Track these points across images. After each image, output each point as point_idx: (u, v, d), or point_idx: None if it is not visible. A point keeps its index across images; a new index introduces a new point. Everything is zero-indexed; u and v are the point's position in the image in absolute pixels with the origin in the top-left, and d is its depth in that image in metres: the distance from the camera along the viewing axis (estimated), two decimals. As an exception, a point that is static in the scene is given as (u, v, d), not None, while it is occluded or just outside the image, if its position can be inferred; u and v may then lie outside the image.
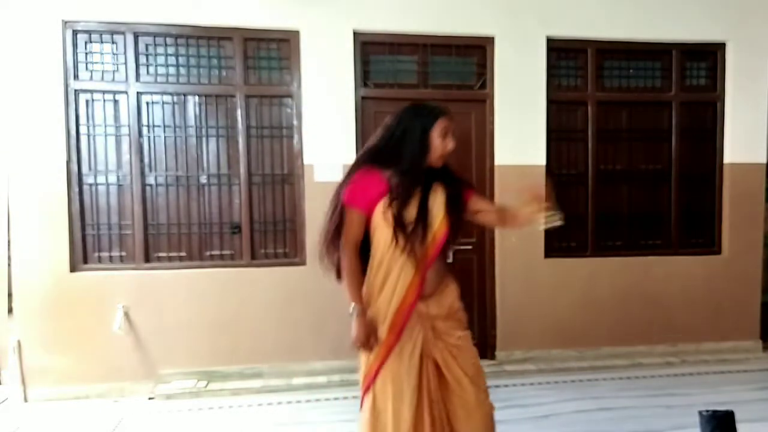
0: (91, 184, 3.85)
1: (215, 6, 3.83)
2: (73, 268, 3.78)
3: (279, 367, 3.97)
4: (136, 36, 3.82)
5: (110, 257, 3.89)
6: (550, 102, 4.23)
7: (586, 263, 4.35)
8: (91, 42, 3.80)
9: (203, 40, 3.92)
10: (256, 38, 3.95)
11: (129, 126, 3.85)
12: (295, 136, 4.03)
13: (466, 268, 4.19)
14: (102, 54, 3.82)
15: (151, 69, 3.88)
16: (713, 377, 3.99)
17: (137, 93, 3.85)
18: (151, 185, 3.92)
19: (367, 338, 2.08)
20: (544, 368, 4.14)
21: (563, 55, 4.32)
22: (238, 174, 3.99)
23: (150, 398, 3.75)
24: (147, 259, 3.91)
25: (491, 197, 4.09)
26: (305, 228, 3.99)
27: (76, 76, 3.78)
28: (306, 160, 3.98)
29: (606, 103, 4.37)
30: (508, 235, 4.19)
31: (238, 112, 3.96)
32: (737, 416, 2.31)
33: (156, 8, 3.77)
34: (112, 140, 3.86)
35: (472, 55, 4.22)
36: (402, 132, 2.07)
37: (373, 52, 4.10)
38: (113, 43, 3.82)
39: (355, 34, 3.99)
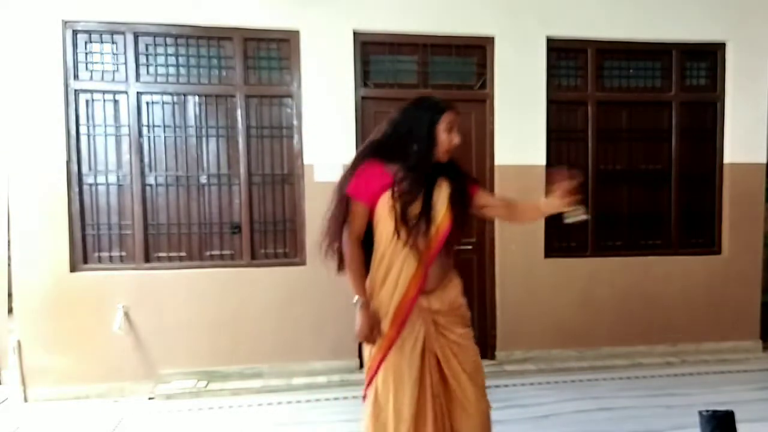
0: (91, 184, 3.85)
1: (215, 6, 3.83)
2: (73, 268, 3.78)
3: (279, 367, 3.97)
4: (136, 36, 3.82)
5: (110, 257, 3.89)
6: (550, 102, 4.23)
7: (586, 263, 4.35)
8: (91, 42, 3.80)
9: (203, 40, 3.92)
10: (256, 38, 3.95)
11: (129, 126, 3.85)
12: (295, 136, 4.03)
13: (466, 268, 4.18)
14: (102, 54, 3.82)
15: (151, 69, 3.88)
16: (713, 377, 3.99)
17: (137, 93, 3.85)
18: (151, 185, 3.92)
19: (370, 331, 2.08)
20: (544, 368, 4.14)
21: (563, 55, 4.32)
22: (238, 174, 3.99)
23: (150, 398, 3.75)
24: (147, 259, 3.91)
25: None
26: (305, 228, 3.99)
27: (76, 76, 3.78)
28: (306, 160, 3.98)
29: (606, 103, 4.38)
30: (508, 241, 4.19)
31: (238, 112, 3.96)
32: (737, 416, 2.31)
33: (156, 8, 3.77)
34: (112, 140, 3.86)
35: (472, 55, 4.22)
36: (408, 126, 2.08)
37: (373, 52, 4.10)
38: (113, 43, 3.82)
39: (355, 34, 3.99)
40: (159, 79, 3.89)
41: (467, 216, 2.19)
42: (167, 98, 3.90)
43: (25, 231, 3.70)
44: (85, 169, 3.83)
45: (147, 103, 3.89)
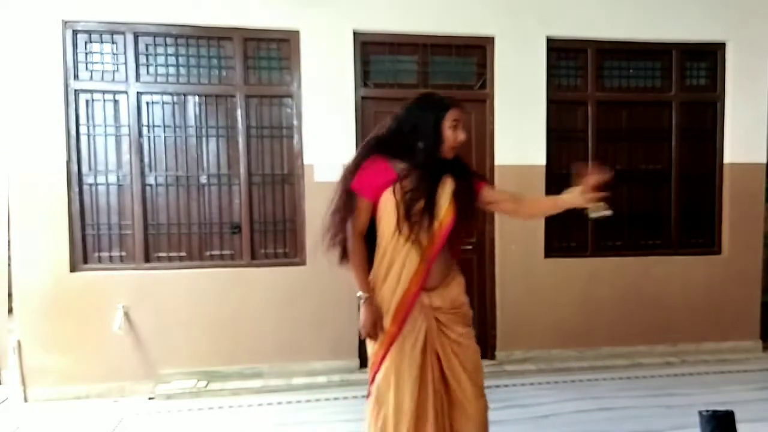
0: (91, 184, 3.85)
1: (215, 6, 3.83)
2: (73, 268, 3.78)
3: (279, 367, 3.97)
4: (136, 36, 3.82)
5: (110, 257, 3.89)
6: (550, 102, 4.23)
7: (586, 263, 4.35)
8: (91, 42, 3.80)
9: (203, 40, 3.92)
10: (256, 38, 3.95)
11: (129, 126, 3.85)
12: (295, 136, 4.03)
13: (466, 267, 4.17)
14: (102, 54, 3.82)
15: (151, 69, 3.88)
16: (713, 377, 3.99)
17: (137, 93, 3.85)
18: (151, 185, 3.92)
19: (373, 326, 2.09)
20: (544, 368, 4.14)
21: (563, 55, 4.32)
22: (238, 174, 3.99)
23: (150, 398, 3.75)
24: (147, 259, 3.91)
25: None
26: (305, 228, 3.99)
27: (76, 76, 3.78)
28: (306, 160, 3.98)
29: (606, 103, 4.38)
30: (508, 241, 4.19)
31: (238, 112, 3.96)
32: (737, 416, 2.31)
33: (156, 8, 3.77)
34: (112, 140, 3.86)
35: (472, 55, 4.22)
36: (413, 123, 2.08)
37: (373, 52, 4.10)
38: (113, 43, 3.82)
39: (355, 34, 3.99)
40: (159, 79, 3.89)
41: (473, 210, 2.18)
42: (167, 98, 3.90)
43: (25, 231, 3.70)
44: (85, 169, 3.83)
45: (147, 103, 3.88)
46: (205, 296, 3.90)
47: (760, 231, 4.52)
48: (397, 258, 2.07)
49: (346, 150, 3.93)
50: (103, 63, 3.82)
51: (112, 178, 3.88)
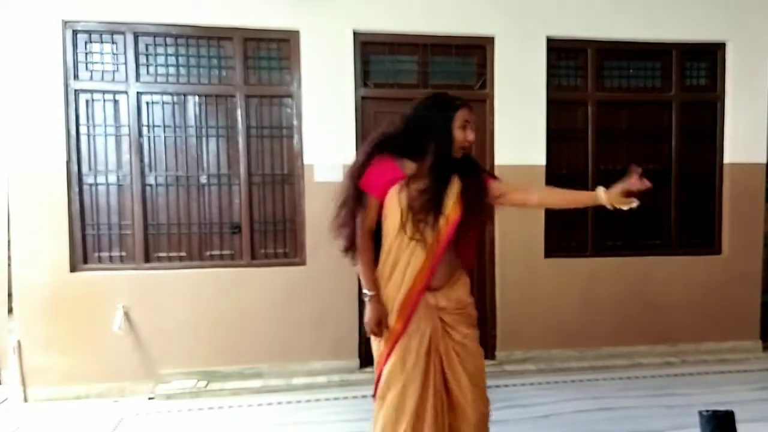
0: (91, 184, 3.85)
1: (215, 6, 3.83)
2: (73, 268, 3.78)
3: (279, 367, 3.97)
4: (136, 36, 3.82)
5: (110, 257, 3.89)
6: (550, 102, 4.23)
7: (586, 263, 4.34)
8: (91, 42, 3.80)
9: (203, 40, 3.92)
10: (256, 38, 3.95)
11: (129, 126, 3.85)
12: (295, 136, 4.03)
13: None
14: (102, 54, 3.82)
15: (151, 69, 3.88)
16: (713, 377, 4.00)
17: (137, 93, 3.85)
18: (151, 185, 3.92)
19: (378, 324, 2.09)
20: (544, 368, 4.14)
21: (563, 55, 4.32)
22: (238, 174, 3.99)
23: (150, 398, 3.75)
24: (147, 259, 3.91)
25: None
26: (305, 228, 3.99)
27: (76, 76, 3.78)
28: (306, 160, 3.98)
29: (606, 103, 4.38)
30: (508, 241, 4.18)
31: (238, 112, 3.96)
32: (737, 416, 2.31)
33: (156, 8, 3.77)
34: (112, 140, 3.86)
35: (472, 55, 4.22)
36: (422, 123, 2.09)
37: (373, 52, 4.10)
38: (113, 43, 3.82)
39: (355, 34, 3.99)
40: (159, 79, 3.89)
41: (481, 206, 2.15)
42: (167, 98, 3.90)
43: (25, 231, 3.70)
44: (85, 169, 3.83)
45: (147, 103, 3.89)
46: (205, 296, 3.90)
47: (760, 231, 4.52)
48: (402, 256, 2.07)
49: (346, 150, 3.94)
50: (103, 63, 3.82)
51: (112, 178, 3.88)
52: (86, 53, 3.80)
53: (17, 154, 3.67)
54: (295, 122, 4.02)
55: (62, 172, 3.74)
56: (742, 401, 3.39)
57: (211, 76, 3.96)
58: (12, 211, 3.72)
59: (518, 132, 4.17)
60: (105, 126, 3.85)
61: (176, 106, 3.92)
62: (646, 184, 1.94)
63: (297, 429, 3.26)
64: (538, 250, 4.25)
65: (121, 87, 3.83)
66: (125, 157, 3.88)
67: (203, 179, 3.98)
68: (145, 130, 3.89)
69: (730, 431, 2.28)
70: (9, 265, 3.84)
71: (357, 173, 2.11)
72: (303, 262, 4.02)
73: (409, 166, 2.10)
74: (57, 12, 3.67)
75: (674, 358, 4.34)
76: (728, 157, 4.46)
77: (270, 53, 4.01)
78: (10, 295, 3.91)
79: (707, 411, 2.32)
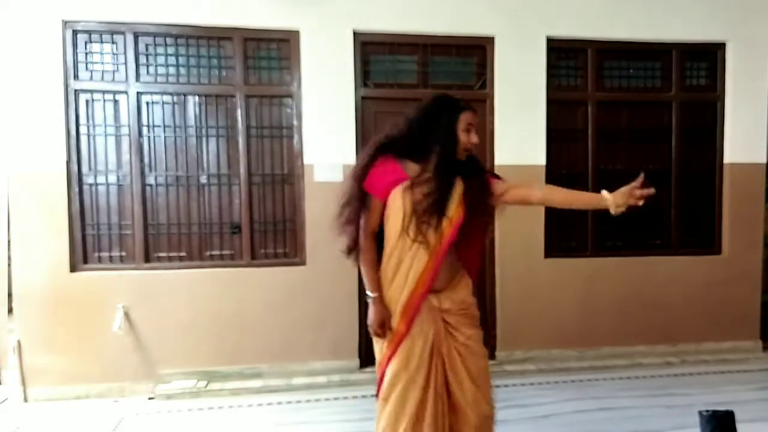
0: (91, 184, 3.85)
1: (215, 6, 3.83)
2: (73, 268, 3.78)
3: (279, 367, 3.97)
4: (136, 36, 3.82)
5: (110, 257, 3.89)
6: (550, 102, 4.23)
7: (586, 263, 4.34)
8: (91, 42, 3.80)
9: (203, 40, 3.92)
10: (256, 38, 3.95)
11: (129, 126, 3.85)
12: (295, 136, 4.03)
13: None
14: (102, 54, 3.82)
15: (151, 69, 3.88)
16: (713, 377, 4.00)
17: (137, 93, 3.85)
18: (151, 185, 3.92)
19: (380, 325, 2.10)
20: (544, 368, 4.14)
21: (563, 55, 4.32)
22: (238, 174, 3.99)
23: (150, 398, 3.75)
24: (147, 259, 3.91)
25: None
26: (305, 228, 3.99)
27: (76, 76, 3.78)
28: (306, 160, 3.98)
29: (606, 103, 4.38)
30: (508, 241, 4.18)
31: (238, 112, 3.96)
32: (737, 416, 2.31)
33: (156, 8, 3.77)
34: (112, 140, 3.86)
35: (472, 55, 4.22)
36: (426, 125, 2.08)
37: (373, 52, 4.10)
38: (113, 43, 3.82)
39: (355, 34, 3.99)
40: (159, 79, 3.89)
41: (484, 207, 2.14)
42: (167, 98, 3.90)
43: (25, 231, 3.70)
44: (85, 169, 3.83)
45: (147, 103, 3.89)
46: (205, 296, 3.90)
47: (760, 231, 4.52)
48: (405, 258, 2.07)
49: (346, 150, 3.95)
50: (103, 63, 3.82)
51: (112, 178, 3.88)
52: (86, 53, 3.80)
53: (17, 154, 3.67)
54: (295, 122, 4.02)
55: (62, 172, 3.74)
56: (742, 401, 3.39)
57: (211, 76, 3.96)
58: (12, 211, 3.72)
59: (518, 132, 4.17)
60: (105, 126, 3.85)
61: (176, 106, 3.92)
62: (651, 190, 1.93)
63: (297, 429, 3.26)
64: (538, 249, 4.25)
65: (121, 87, 3.83)
66: (125, 157, 3.88)
67: (203, 179, 3.98)
68: (145, 130, 3.89)
69: (730, 431, 2.28)
70: (9, 265, 3.85)
71: (360, 174, 2.11)
72: (303, 262, 4.02)
73: (412, 168, 2.10)
74: (57, 12, 3.67)
75: (674, 358, 4.34)
76: (728, 157, 4.46)
77: (270, 53, 4.01)
78: (10, 295, 3.91)
79: (707, 411, 2.32)
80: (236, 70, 3.94)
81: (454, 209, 2.06)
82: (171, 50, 3.89)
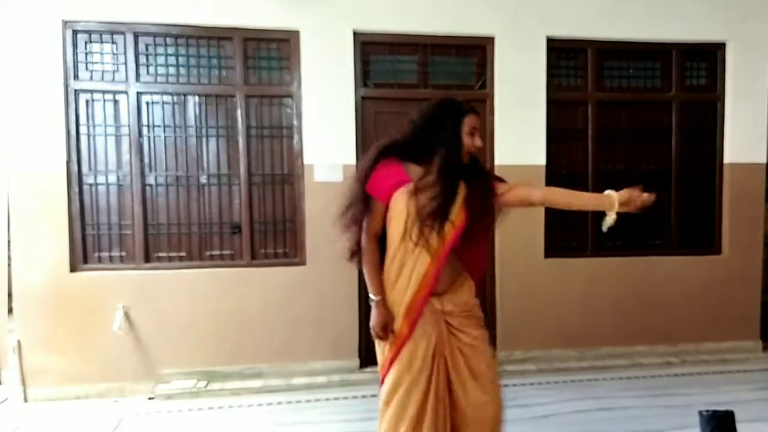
0: (91, 184, 3.85)
1: (215, 6, 3.83)
2: (73, 268, 3.78)
3: (279, 367, 3.97)
4: (136, 36, 3.82)
5: (110, 257, 3.89)
6: (550, 102, 4.23)
7: (586, 263, 4.34)
8: (91, 42, 3.80)
9: (203, 40, 3.92)
10: (256, 38, 3.95)
11: (129, 126, 3.85)
12: (295, 136, 4.03)
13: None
14: (102, 54, 3.82)
15: (151, 69, 3.88)
16: (713, 377, 4.00)
17: (137, 93, 3.85)
18: (151, 185, 3.92)
19: (383, 328, 2.09)
20: (544, 368, 4.14)
21: (563, 55, 4.32)
22: (238, 174, 3.99)
23: (150, 398, 3.75)
24: (147, 259, 3.91)
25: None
26: (305, 228, 3.99)
27: (76, 76, 3.78)
28: (306, 160, 3.98)
29: (606, 103, 4.38)
30: (508, 241, 4.18)
31: (238, 112, 3.96)
32: (737, 416, 2.32)
33: (156, 8, 3.77)
34: (112, 140, 3.86)
35: (472, 55, 4.22)
36: (430, 128, 2.08)
37: (373, 52, 4.10)
38: (113, 43, 3.82)
39: (355, 34, 3.99)
40: (159, 79, 3.89)
41: (487, 209, 2.13)
42: (167, 98, 3.90)
43: (25, 231, 3.70)
44: (85, 169, 3.83)
45: (147, 103, 3.89)
46: (205, 296, 3.90)
47: (760, 231, 4.52)
48: (408, 261, 2.07)
49: (346, 150, 3.95)
50: (103, 63, 3.82)
51: (112, 178, 3.88)
52: (86, 53, 3.80)
53: (17, 154, 3.67)
54: (295, 122, 4.02)
55: (62, 172, 3.74)
56: (742, 401, 3.39)
57: (211, 76, 3.96)
58: (12, 211, 3.72)
59: (518, 132, 4.17)
60: (105, 126, 3.85)
61: (176, 106, 3.92)
62: (652, 197, 1.96)
63: (297, 429, 3.26)
64: (538, 250, 4.25)
65: (121, 87, 3.83)
66: (125, 157, 3.88)
67: (203, 179, 3.98)
68: (145, 130, 3.89)
69: (730, 431, 2.28)
70: (9, 265, 3.85)
71: (363, 177, 2.11)
72: (303, 262, 4.02)
73: (415, 170, 2.10)
74: (57, 12, 3.67)
75: (674, 358, 4.34)
76: (728, 157, 4.46)
77: (270, 53, 4.01)
78: (10, 295, 3.91)
79: (707, 411, 2.32)
80: (236, 70, 3.94)
81: (456, 213, 2.06)
82: (171, 50, 3.89)
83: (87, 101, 3.82)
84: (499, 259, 4.22)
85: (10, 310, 3.92)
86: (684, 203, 4.50)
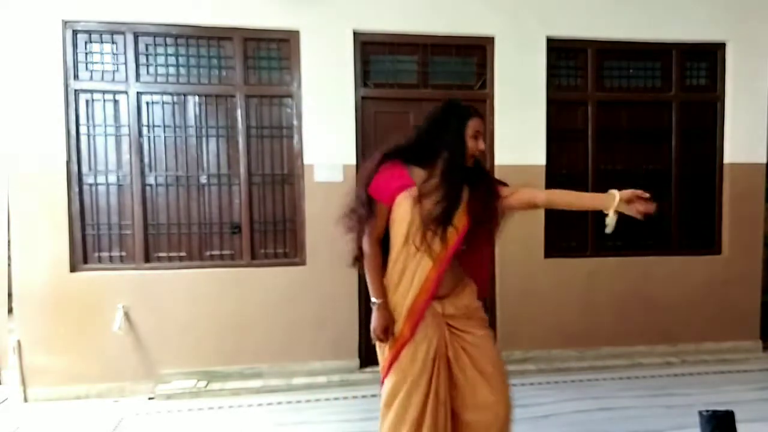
0: (91, 184, 3.85)
1: (215, 6, 3.83)
2: (73, 268, 3.78)
3: (279, 367, 3.97)
4: (136, 36, 3.82)
5: (110, 257, 3.89)
6: (550, 102, 4.23)
7: (586, 263, 4.34)
8: (91, 42, 3.80)
9: (203, 40, 3.92)
10: (256, 38, 3.95)
11: (129, 126, 3.85)
12: (295, 136, 4.03)
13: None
14: (102, 54, 3.82)
15: (151, 69, 3.88)
16: (713, 377, 4.00)
17: (137, 93, 3.85)
18: (151, 185, 3.92)
19: (384, 331, 2.09)
20: (544, 368, 4.14)
21: (563, 55, 4.32)
22: (238, 174, 3.99)
23: (150, 398, 3.75)
24: (147, 259, 3.91)
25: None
26: (305, 228, 3.99)
27: (76, 76, 3.78)
28: (306, 160, 3.98)
29: (606, 103, 4.38)
30: (508, 241, 4.16)
31: (238, 112, 3.96)
32: (737, 416, 2.31)
33: (156, 8, 3.77)
34: (112, 140, 3.86)
35: (472, 55, 4.22)
36: (435, 132, 2.08)
37: (373, 52, 4.10)
38: (113, 43, 3.82)
39: (355, 34, 3.99)
40: (159, 79, 3.89)
41: (490, 213, 2.12)
42: (167, 98, 3.90)
43: (25, 231, 3.70)
44: (85, 169, 3.83)
45: (147, 103, 3.89)
46: (205, 296, 3.90)
47: (760, 231, 4.52)
48: (410, 264, 2.07)
49: (346, 150, 3.95)
50: (103, 63, 3.82)
51: (112, 178, 3.88)
52: (86, 53, 3.80)
53: (17, 154, 3.67)
54: (295, 122, 4.02)
55: (62, 172, 3.74)
56: (742, 401, 3.39)
57: (211, 76, 3.96)
58: (12, 211, 3.72)
59: (518, 132, 4.17)
60: (105, 126, 3.85)
61: (176, 106, 3.92)
62: (653, 207, 1.94)
63: (297, 429, 3.26)
64: (538, 250, 4.25)
65: (121, 87, 3.83)
66: (125, 157, 3.88)
67: (203, 179, 3.98)
68: (145, 130, 3.89)
69: (730, 431, 2.28)
70: (9, 265, 3.84)
71: (366, 180, 2.11)
72: (303, 262, 4.02)
73: (418, 173, 2.09)
74: (57, 12, 3.67)
75: (674, 358, 4.34)
76: (728, 157, 4.46)
77: (270, 53, 4.01)
78: (10, 295, 3.91)
79: (707, 411, 2.32)
80: (236, 70, 3.94)
81: (459, 217, 2.06)
82: (171, 50, 3.89)
83: (87, 101, 3.82)
84: (499, 259, 4.21)
85: (10, 310, 3.92)
86: (684, 203, 4.50)
